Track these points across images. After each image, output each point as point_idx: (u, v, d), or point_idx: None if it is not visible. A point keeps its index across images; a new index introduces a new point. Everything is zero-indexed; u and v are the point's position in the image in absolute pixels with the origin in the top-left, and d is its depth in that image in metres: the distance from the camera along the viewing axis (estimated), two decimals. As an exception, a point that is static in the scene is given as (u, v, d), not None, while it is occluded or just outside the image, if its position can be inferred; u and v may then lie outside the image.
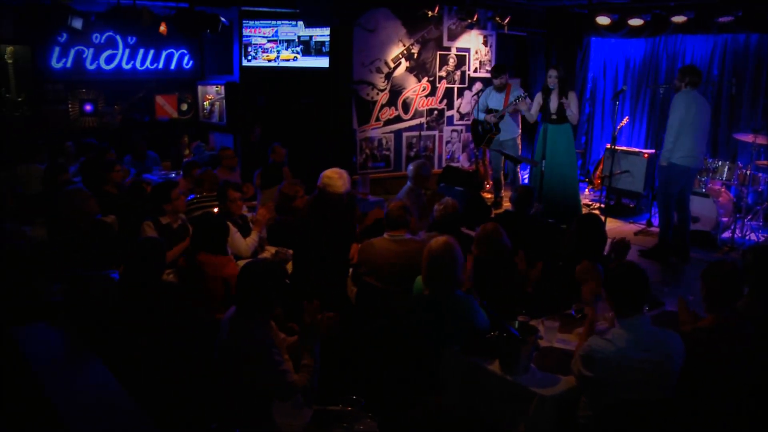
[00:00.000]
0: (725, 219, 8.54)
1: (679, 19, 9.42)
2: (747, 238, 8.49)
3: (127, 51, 10.19)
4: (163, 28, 8.92)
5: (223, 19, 8.94)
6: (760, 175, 8.67)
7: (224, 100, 10.37)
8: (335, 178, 4.98)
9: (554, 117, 8.46)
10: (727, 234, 8.53)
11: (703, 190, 8.58)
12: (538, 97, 8.81)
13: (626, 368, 3.22)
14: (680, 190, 7.61)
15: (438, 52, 10.68)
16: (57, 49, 9.66)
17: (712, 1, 9.12)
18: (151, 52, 10.42)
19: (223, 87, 10.41)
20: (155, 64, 10.51)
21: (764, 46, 9.60)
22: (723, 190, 8.78)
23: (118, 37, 10.06)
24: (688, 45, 10.50)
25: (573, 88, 9.10)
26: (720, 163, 8.72)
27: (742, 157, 9.31)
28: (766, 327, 3.76)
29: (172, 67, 10.72)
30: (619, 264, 3.50)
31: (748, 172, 8.52)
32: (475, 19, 10.48)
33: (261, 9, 9.74)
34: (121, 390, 3.23)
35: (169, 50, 10.60)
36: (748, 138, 8.50)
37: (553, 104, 8.45)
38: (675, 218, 7.79)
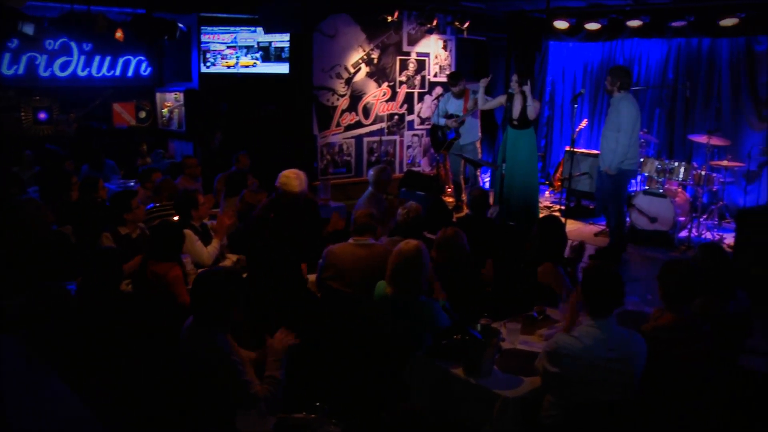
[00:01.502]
0: (682, 218, 8.71)
1: (634, 23, 9.59)
2: (703, 236, 8.66)
3: (82, 58, 10.02)
4: (119, 34, 8.78)
5: (181, 25, 8.85)
6: (714, 175, 8.86)
7: (183, 108, 10.27)
8: (292, 177, 4.99)
9: (516, 122, 8.51)
10: (684, 233, 8.69)
11: (660, 190, 8.72)
12: (502, 98, 8.83)
13: (591, 366, 3.26)
14: (626, 194, 7.76)
15: (398, 57, 10.70)
16: (8, 56, 9.44)
17: (666, 6, 9.30)
18: (108, 58, 10.26)
19: (182, 94, 10.30)
20: (112, 71, 10.35)
21: (716, 50, 9.82)
22: (679, 190, 8.94)
23: (72, 44, 9.88)
24: (644, 49, 10.69)
25: (534, 94, 9.18)
26: (676, 164, 8.88)
27: (697, 158, 9.50)
28: (721, 324, 3.84)
29: (130, 74, 10.57)
30: (596, 265, 3.52)
31: (703, 173, 8.69)
32: (434, 23, 10.55)
33: (220, 15, 9.68)
34: (78, 402, 3.16)
35: (126, 57, 10.45)
36: (703, 139, 8.68)
37: (516, 110, 8.49)
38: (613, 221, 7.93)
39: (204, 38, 9.82)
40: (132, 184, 8.48)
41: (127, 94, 10.67)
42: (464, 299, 4.50)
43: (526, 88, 8.31)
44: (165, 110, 10.71)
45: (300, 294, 5.05)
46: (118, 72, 10.41)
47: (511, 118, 8.55)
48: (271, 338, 3.51)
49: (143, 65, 10.69)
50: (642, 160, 8.95)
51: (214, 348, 3.27)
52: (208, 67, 9.94)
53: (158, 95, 10.85)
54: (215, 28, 9.77)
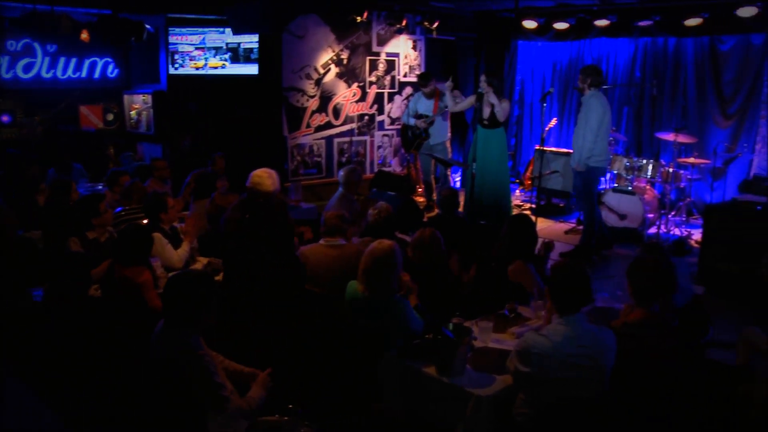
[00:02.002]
0: (651, 215, 8.82)
1: (602, 22, 9.69)
2: (671, 233, 8.77)
3: (46, 59, 9.83)
4: (84, 35, 8.64)
5: (148, 26, 8.75)
6: (681, 172, 8.98)
7: (152, 110, 10.16)
8: (264, 177, 4.97)
9: (486, 122, 8.54)
10: (653, 230, 8.80)
11: (629, 188, 8.82)
12: (472, 99, 8.86)
13: (562, 363, 3.28)
14: (596, 191, 7.83)
15: (367, 58, 10.70)
16: (-34, 57, 9.26)
17: (633, 6, 9.40)
18: (73, 60, 10.08)
19: (150, 96, 10.19)
20: (78, 73, 10.18)
21: (681, 50, 9.96)
22: (648, 187, 9.06)
23: (36, 45, 9.68)
24: (612, 48, 10.80)
25: (503, 94, 9.24)
26: (644, 161, 8.99)
27: (664, 155, 9.62)
28: (687, 320, 3.89)
29: (96, 76, 10.41)
30: (563, 263, 3.55)
31: (671, 170, 8.81)
32: (403, 24, 10.57)
33: (187, 16, 9.59)
34: (46, 409, 3.11)
35: (93, 58, 10.29)
36: (670, 137, 8.80)
37: (486, 110, 8.52)
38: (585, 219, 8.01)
39: (172, 39, 9.72)
40: (100, 187, 8.37)
41: (94, 97, 10.52)
42: (441, 299, 4.52)
43: (491, 94, 8.33)
44: (133, 112, 10.59)
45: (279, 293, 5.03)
46: (84, 74, 10.25)
47: (482, 117, 8.57)
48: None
49: (110, 67, 10.55)
50: (611, 158, 9.06)
51: (187, 350, 3.25)
52: (176, 69, 9.85)
53: (126, 97, 10.72)
54: (183, 29, 9.69)
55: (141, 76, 10.79)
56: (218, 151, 8.25)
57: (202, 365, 3.24)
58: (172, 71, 9.84)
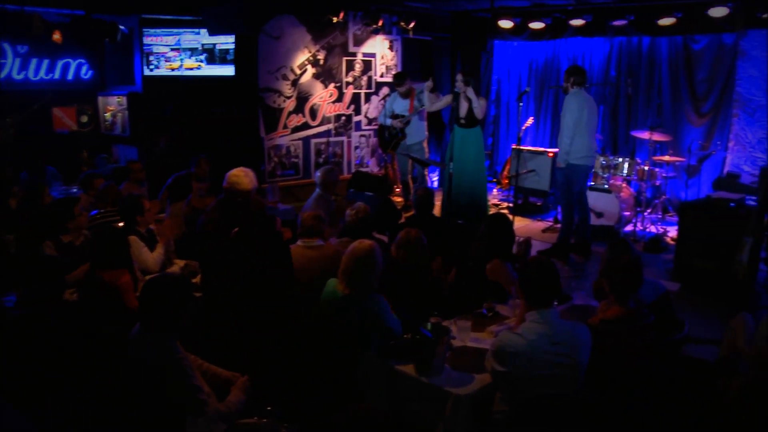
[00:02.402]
0: (627, 213, 8.89)
1: (577, 22, 9.75)
2: (647, 230, 8.85)
3: (17, 60, 9.66)
4: (57, 36, 8.54)
5: (122, 27, 8.67)
6: (657, 170, 9.07)
7: (127, 111, 10.06)
8: (241, 176, 4.95)
9: (463, 121, 8.56)
10: (629, 227, 8.88)
11: (606, 186, 8.89)
12: (449, 98, 8.87)
13: (537, 360, 3.29)
14: (579, 189, 7.86)
15: (344, 58, 10.68)
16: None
17: (608, 6, 9.48)
18: (46, 62, 9.93)
19: (125, 98, 10.09)
20: (50, 75, 10.04)
21: (655, 49, 10.05)
22: (624, 185, 9.13)
23: (6, 46, 9.50)
24: (587, 47, 10.87)
25: (479, 93, 9.27)
26: (620, 159, 9.07)
27: (640, 154, 9.71)
28: (663, 316, 3.93)
29: (70, 77, 10.28)
30: (532, 259, 3.57)
31: (647, 168, 8.90)
32: (380, 24, 10.57)
33: (162, 17, 9.51)
34: (19, 416, 3.07)
35: (66, 60, 10.16)
36: (645, 135, 8.88)
37: (463, 109, 8.55)
38: (576, 217, 8.05)
39: (147, 40, 9.64)
40: (75, 190, 8.28)
41: (67, 98, 10.38)
42: (424, 299, 4.53)
43: (470, 90, 8.37)
44: (108, 114, 10.48)
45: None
46: (57, 75, 10.11)
47: (458, 117, 8.59)
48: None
49: (84, 68, 10.43)
50: (594, 156, 9.10)
51: (164, 354, 3.22)
52: (151, 70, 9.77)
53: (100, 99, 10.60)
54: (158, 30, 9.61)
55: (116, 77, 10.68)
56: (202, 153, 8.17)
57: (180, 369, 3.22)
58: (147, 72, 9.75)
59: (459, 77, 8.52)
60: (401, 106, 9.66)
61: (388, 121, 9.69)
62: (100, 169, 9.32)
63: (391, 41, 11.34)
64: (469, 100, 8.42)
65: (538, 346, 3.30)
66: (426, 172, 10.17)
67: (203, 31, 9.46)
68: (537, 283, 3.43)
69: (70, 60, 10.18)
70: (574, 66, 8.22)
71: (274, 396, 3.78)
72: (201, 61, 9.79)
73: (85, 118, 10.56)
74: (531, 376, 3.30)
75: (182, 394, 3.22)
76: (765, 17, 8.22)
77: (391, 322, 3.96)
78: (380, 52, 11.21)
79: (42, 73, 9.91)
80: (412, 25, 10.61)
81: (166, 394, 3.20)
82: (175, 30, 9.63)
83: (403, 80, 9.64)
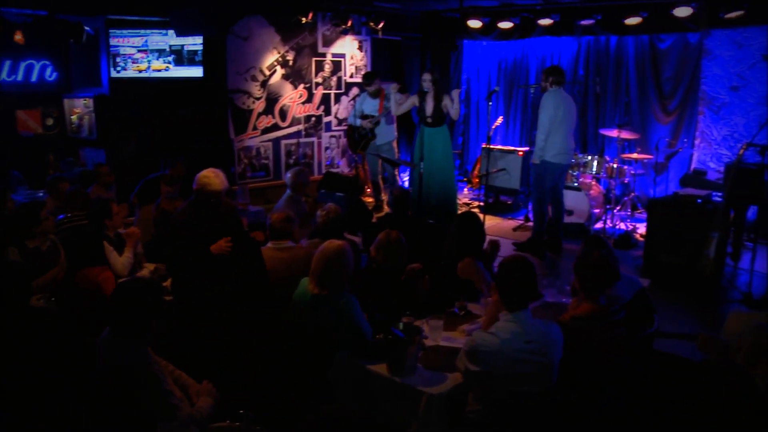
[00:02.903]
0: (597, 210, 8.98)
1: (545, 21, 9.82)
2: (617, 227, 8.95)
3: (-23, 62, 9.48)
4: (19, 37, 8.37)
5: (87, 28, 8.53)
6: (625, 167, 9.17)
7: (93, 114, 9.92)
8: (212, 176, 4.91)
9: (430, 120, 8.58)
10: (599, 225, 8.96)
11: (575, 184, 8.97)
12: (414, 98, 8.89)
13: (511, 359, 3.30)
14: (553, 186, 7.91)
15: (313, 59, 10.65)
16: None
17: (575, 5, 9.56)
18: (8, 63, 9.70)
19: (91, 100, 9.95)
20: (13, 77, 9.82)
21: (623, 48, 10.17)
22: (593, 183, 9.22)
23: (-36, 46, 9.35)
24: (555, 47, 10.96)
25: (449, 90, 9.30)
26: (589, 157, 9.16)
27: (609, 151, 9.80)
28: (635, 312, 3.97)
29: (33, 79, 10.07)
30: (510, 259, 3.58)
31: (615, 165, 9.00)
32: (349, 24, 10.55)
33: (128, 18, 9.39)
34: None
35: (29, 61, 9.95)
36: (614, 133, 8.97)
37: (429, 108, 8.57)
38: (550, 213, 8.11)
39: (113, 42, 9.51)
40: (41, 194, 8.15)
41: (31, 101, 10.20)
42: (402, 301, 4.52)
43: (455, 92, 8.40)
44: (74, 117, 10.33)
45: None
46: (20, 77, 9.88)
47: (425, 116, 8.61)
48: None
49: (48, 70, 10.23)
50: (571, 155, 9.16)
51: (134, 359, 3.18)
52: (118, 72, 9.65)
53: (66, 101, 10.43)
54: (124, 31, 9.49)
55: (82, 79, 10.51)
56: (181, 157, 8.06)
57: (151, 374, 3.18)
58: (114, 74, 9.63)
59: (427, 77, 8.53)
60: (370, 106, 9.66)
61: (358, 122, 9.68)
62: (67, 173, 9.17)
63: (360, 41, 11.33)
64: (436, 100, 8.44)
65: (510, 345, 3.31)
66: (397, 172, 10.17)
67: (171, 32, 9.36)
68: (513, 285, 3.43)
69: (33, 61, 9.97)
70: (553, 66, 8.31)
71: (247, 398, 3.76)
72: (169, 63, 9.69)
73: (50, 121, 10.38)
74: (504, 374, 3.31)
75: (154, 400, 3.18)
76: (727, 17, 8.37)
77: (362, 323, 3.95)
78: (350, 52, 11.20)
79: (4, 75, 9.68)
80: (381, 25, 10.62)
81: (137, 400, 3.15)
82: (142, 31, 9.52)
83: (372, 80, 9.63)
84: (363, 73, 10.79)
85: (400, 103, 9.12)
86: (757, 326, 2.93)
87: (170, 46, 9.61)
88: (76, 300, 4.39)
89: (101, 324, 3.72)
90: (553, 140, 7.71)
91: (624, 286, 4.16)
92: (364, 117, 9.63)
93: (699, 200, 6.98)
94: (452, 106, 8.47)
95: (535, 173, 7.98)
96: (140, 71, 9.69)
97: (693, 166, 9.57)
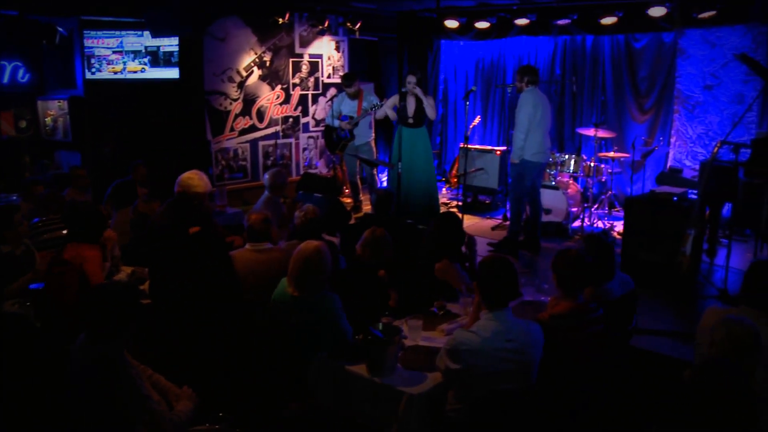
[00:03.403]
0: (574, 209, 9.03)
1: (522, 21, 9.87)
2: (595, 225, 9.01)
3: (-55, 63, 9.31)
4: (-12, 37, 8.25)
5: (60, 29, 8.43)
6: (602, 166, 9.24)
7: (68, 116, 9.81)
8: (195, 178, 4.90)
9: (411, 121, 8.59)
10: (577, 223, 9.02)
11: (553, 182, 9.01)
12: (394, 99, 8.86)
13: (491, 358, 3.31)
14: (532, 184, 7.95)
15: (290, 59, 10.62)
16: None
17: (551, 5, 9.62)
18: (-23, 64, 9.60)
19: (66, 102, 9.85)
20: (-17, 77, 9.69)
21: (599, 47, 10.24)
22: (571, 182, 9.28)
23: (-68, 47, 9.19)
24: (532, 46, 11.01)
25: (427, 93, 9.33)
26: (567, 156, 9.21)
27: (586, 150, 9.87)
28: (612, 308, 3.99)
29: (5, 80, 9.92)
30: (491, 258, 3.59)
31: (592, 164, 9.06)
32: (326, 25, 10.54)
33: (103, 18, 9.30)
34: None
35: (1, 62, 9.84)
36: (590, 132, 9.04)
37: (410, 108, 8.57)
38: (528, 212, 8.14)
39: (87, 43, 9.41)
40: (14, 198, 8.04)
41: (4, 103, 10.06)
42: (383, 300, 4.53)
43: (419, 90, 8.43)
44: (48, 119, 10.21)
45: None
46: (-9, 79, 9.77)
47: (406, 116, 8.62)
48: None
49: (21, 71, 10.09)
50: (548, 153, 9.21)
51: (111, 365, 3.13)
52: (93, 73, 9.55)
53: (40, 103, 10.31)
54: (99, 32, 9.39)
55: (56, 80, 10.39)
56: (138, 159, 8.03)
57: (128, 379, 3.14)
58: (89, 76, 9.53)
59: (412, 78, 8.53)
60: (349, 107, 9.63)
61: (336, 122, 9.66)
62: (41, 176, 9.07)
63: (337, 42, 11.32)
64: (418, 101, 8.46)
65: (491, 343, 3.32)
66: (375, 173, 10.16)
67: (146, 33, 9.28)
68: (495, 285, 3.45)
69: (5, 62, 9.83)
70: (526, 65, 8.35)
71: (226, 401, 3.74)
72: (145, 64, 9.60)
73: (23, 123, 10.26)
74: (485, 372, 3.32)
75: (131, 405, 3.14)
76: (700, 17, 8.48)
77: (343, 323, 3.94)
78: (327, 53, 11.18)
79: (-27, 76, 9.56)
80: (358, 25, 10.61)
81: (114, 406, 3.12)
82: (117, 32, 9.43)
83: (351, 81, 9.60)
84: (342, 73, 10.77)
85: (383, 107, 9.15)
86: (726, 320, 2.96)
87: (146, 47, 9.53)
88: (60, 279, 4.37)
89: (77, 327, 3.69)
90: (532, 139, 7.74)
91: (615, 285, 4.20)
92: (341, 118, 9.61)
93: (675, 198, 7.04)
94: (428, 106, 8.50)
95: (515, 173, 8.00)
96: (116, 73, 9.60)
97: (669, 164, 9.66)
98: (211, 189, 4.99)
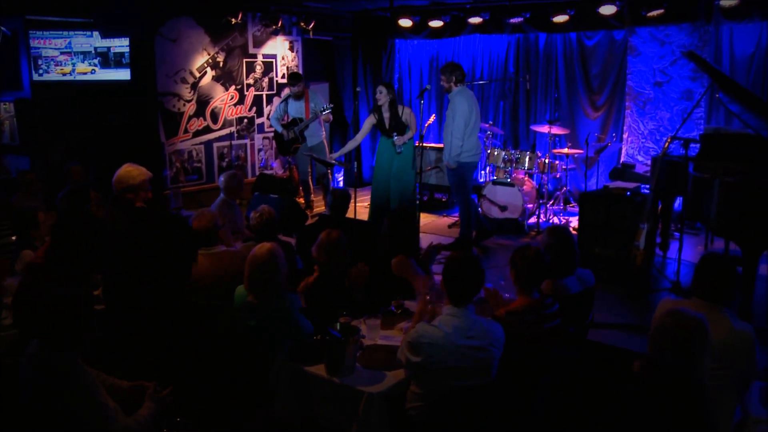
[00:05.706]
0: (530, 206, 9.13)
1: (475, 20, 9.95)
2: (551, 221, 9.11)
3: None
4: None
5: (3, 28, 8.21)
6: (557, 162, 9.36)
7: (15, 119, 9.57)
8: (132, 170, 4.85)
9: (391, 131, 8.42)
10: (533, 219, 9.11)
11: (508, 179, 9.09)
12: (371, 118, 8.60)
13: (451, 353, 3.34)
14: (471, 183, 7.98)
15: (244, 60, 10.52)
16: None
17: (504, 4, 9.71)
18: None
19: (12, 104, 9.60)
20: None
21: (551, 45, 10.37)
22: (526, 178, 9.37)
23: None
24: (486, 45, 11.09)
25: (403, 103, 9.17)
26: (521, 153, 9.30)
27: (540, 147, 9.98)
28: (569, 303, 4.04)
29: (-56, 83, 9.64)
30: (457, 256, 3.60)
31: (547, 161, 9.16)
32: (279, 25, 10.47)
33: (50, 18, 9.09)
34: None
35: (-61, 64, 9.52)
36: (544, 129, 9.14)
37: (386, 119, 8.39)
38: (482, 208, 8.20)
39: (33, 43, 9.18)
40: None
41: (-55, 107, 9.79)
42: (340, 301, 4.50)
43: (387, 102, 8.29)
44: (-6, 122, 9.96)
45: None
46: (-73, 81, 9.44)
47: (385, 129, 8.42)
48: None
49: (-38, 73, 9.82)
50: (488, 151, 9.32)
51: (64, 373, 3.06)
52: (40, 75, 9.32)
53: (-16, 106, 10.06)
54: (45, 33, 9.17)
55: (1, 83, 10.13)
56: (74, 161, 7.83)
57: (83, 387, 3.07)
58: (36, 77, 9.30)
59: (382, 89, 8.32)
60: (295, 108, 9.49)
61: (279, 128, 9.51)
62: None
63: (291, 42, 11.25)
64: (393, 110, 8.31)
65: (453, 339, 3.35)
66: (330, 172, 10.10)
67: (96, 33, 9.10)
68: (461, 282, 3.47)
69: (-56, 65, 9.53)
70: (451, 63, 8.19)
71: (184, 406, 3.68)
72: (95, 65, 9.42)
73: (-33, 127, 9.98)
74: (444, 367, 3.34)
75: (87, 413, 3.07)
76: (649, 15, 8.67)
77: (303, 322, 3.92)
78: (281, 53, 11.10)
79: None
80: (311, 25, 10.57)
81: (70, 415, 3.05)
82: (65, 32, 9.22)
83: (296, 81, 9.42)
84: (299, 71, 10.69)
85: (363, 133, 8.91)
86: (673, 311, 3.00)
87: (95, 48, 9.34)
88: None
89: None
90: (470, 141, 7.74)
91: (573, 280, 4.24)
92: (292, 121, 9.47)
93: (628, 193, 7.16)
94: (409, 126, 8.37)
95: (456, 177, 7.94)
96: (64, 74, 9.39)
97: (622, 159, 9.82)
98: (150, 177, 4.93)
